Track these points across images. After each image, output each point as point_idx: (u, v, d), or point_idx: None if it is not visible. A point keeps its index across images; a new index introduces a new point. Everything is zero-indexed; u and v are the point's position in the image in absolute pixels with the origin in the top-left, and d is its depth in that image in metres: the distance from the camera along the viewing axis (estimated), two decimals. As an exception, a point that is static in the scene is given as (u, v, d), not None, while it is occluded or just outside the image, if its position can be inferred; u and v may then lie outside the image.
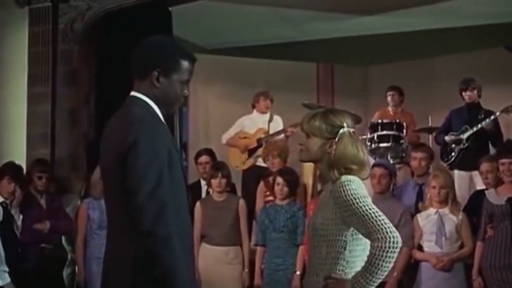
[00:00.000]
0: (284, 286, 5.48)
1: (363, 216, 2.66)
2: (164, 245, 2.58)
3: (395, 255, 2.63)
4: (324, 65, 10.30)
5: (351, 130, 2.85)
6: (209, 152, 6.87)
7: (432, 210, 5.26)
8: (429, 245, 5.24)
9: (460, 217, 5.23)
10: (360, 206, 2.67)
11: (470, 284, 5.24)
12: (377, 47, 9.13)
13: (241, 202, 5.94)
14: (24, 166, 6.39)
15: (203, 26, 8.63)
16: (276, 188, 5.68)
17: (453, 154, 6.84)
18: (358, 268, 2.70)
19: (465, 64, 8.54)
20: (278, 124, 7.82)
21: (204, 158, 6.74)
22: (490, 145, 6.76)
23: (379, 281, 2.64)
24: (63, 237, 6.25)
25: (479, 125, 6.67)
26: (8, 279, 5.24)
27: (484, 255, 5.16)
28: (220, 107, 9.29)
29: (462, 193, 6.12)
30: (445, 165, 6.90)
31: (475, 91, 6.87)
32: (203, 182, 6.64)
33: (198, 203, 5.91)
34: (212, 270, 5.68)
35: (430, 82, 9.25)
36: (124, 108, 2.80)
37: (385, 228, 2.63)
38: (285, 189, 5.63)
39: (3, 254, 5.19)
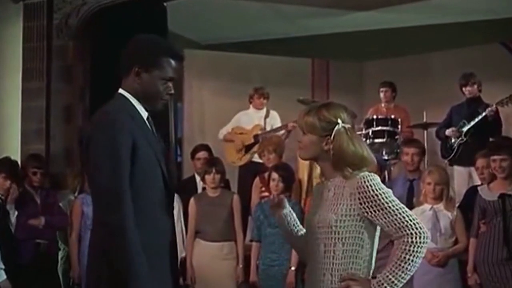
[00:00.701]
0: (279, 281, 5.48)
1: (393, 211, 2.58)
2: (117, 237, 2.55)
3: (425, 250, 2.59)
4: (319, 61, 10.30)
5: (347, 126, 2.70)
6: (207, 148, 6.85)
7: (427, 206, 5.25)
8: (424, 241, 5.24)
9: (455, 213, 5.24)
10: (388, 201, 2.60)
11: (464, 280, 5.25)
12: (372, 43, 9.13)
13: (235, 197, 5.94)
14: (18, 162, 6.38)
15: (198, 22, 8.62)
16: (272, 183, 5.66)
17: (453, 150, 6.84)
18: (373, 267, 2.66)
19: (460, 59, 8.55)
20: (274, 119, 7.81)
21: (202, 154, 6.71)
22: (489, 140, 6.76)
23: (408, 277, 2.56)
24: (58, 233, 6.24)
25: (476, 119, 6.67)
26: (4, 276, 5.23)
27: (477, 250, 5.17)
28: (215, 103, 9.28)
29: (460, 189, 6.12)
30: (446, 161, 6.90)
31: (475, 86, 6.88)
32: (198, 178, 6.63)
33: (192, 199, 5.90)
34: (206, 266, 5.68)
35: (425, 78, 9.25)
36: None
37: (415, 223, 2.58)
38: (281, 184, 5.62)
39: (-2, 251, 5.18)
